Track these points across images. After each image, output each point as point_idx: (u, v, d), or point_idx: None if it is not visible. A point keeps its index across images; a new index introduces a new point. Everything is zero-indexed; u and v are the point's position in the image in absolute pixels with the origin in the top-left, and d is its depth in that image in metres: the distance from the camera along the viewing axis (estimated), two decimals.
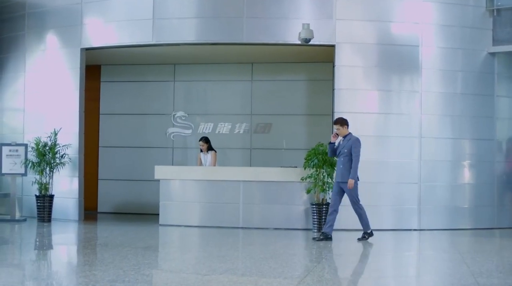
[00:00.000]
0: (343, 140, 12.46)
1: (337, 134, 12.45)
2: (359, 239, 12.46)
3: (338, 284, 8.29)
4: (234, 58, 16.95)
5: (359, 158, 12.27)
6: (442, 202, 14.62)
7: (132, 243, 11.52)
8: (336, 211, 12.42)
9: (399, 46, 14.66)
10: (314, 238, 12.41)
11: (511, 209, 15.18)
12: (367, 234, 12.53)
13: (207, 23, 14.94)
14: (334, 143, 12.55)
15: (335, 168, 12.82)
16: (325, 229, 12.38)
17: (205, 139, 15.30)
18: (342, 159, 12.35)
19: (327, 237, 12.24)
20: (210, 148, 15.24)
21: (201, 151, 15.29)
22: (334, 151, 12.54)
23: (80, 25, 15.63)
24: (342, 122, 12.47)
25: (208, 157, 15.15)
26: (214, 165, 15.09)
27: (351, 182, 12.21)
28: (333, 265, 9.89)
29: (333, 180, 12.97)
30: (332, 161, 13.54)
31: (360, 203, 12.48)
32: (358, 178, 12.40)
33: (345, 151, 12.31)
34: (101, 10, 15.57)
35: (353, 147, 12.26)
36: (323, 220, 13.59)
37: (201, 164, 15.20)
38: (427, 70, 14.63)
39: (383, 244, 12.55)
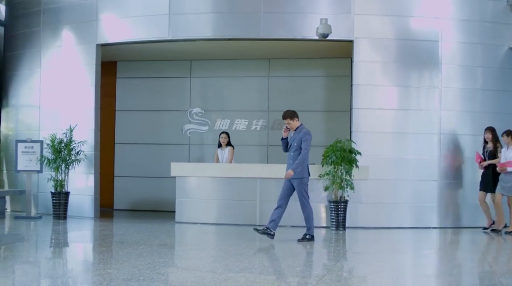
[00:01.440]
0: (293, 133, 11.67)
1: (288, 128, 11.68)
2: (299, 240, 11.53)
3: (358, 284, 8.12)
4: (251, 54, 16.80)
5: (308, 151, 11.46)
6: (462, 199, 14.42)
7: (147, 240, 11.40)
8: (281, 207, 11.60)
9: (418, 41, 14.47)
10: (255, 229, 11.62)
11: None
12: (309, 236, 11.58)
13: (223, 19, 14.80)
14: (287, 138, 11.70)
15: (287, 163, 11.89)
16: (268, 224, 11.55)
17: (227, 133, 15.13)
18: (292, 153, 11.57)
19: (268, 233, 11.41)
20: (229, 143, 15.07)
21: (219, 146, 15.09)
22: (287, 146, 11.73)
23: (96, 21, 15.53)
24: (291, 115, 11.62)
25: (225, 152, 14.97)
26: (231, 161, 14.92)
27: (290, 172, 11.40)
28: (352, 263, 9.71)
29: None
30: (351, 157, 13.37)
31: (309, 202, 11.66)
32: (309, 173, 11.63)
33: (295, 144, 11.54)
34: (117, 5, 15.48)
35: (302, 139, 11.47)
36: (341, 217, 13.43)
37: (217, 161, 15.02)
38: (446, 65, 14.43)
39: (402, 242, 12.37)
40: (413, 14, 14.55)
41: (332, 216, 13.57)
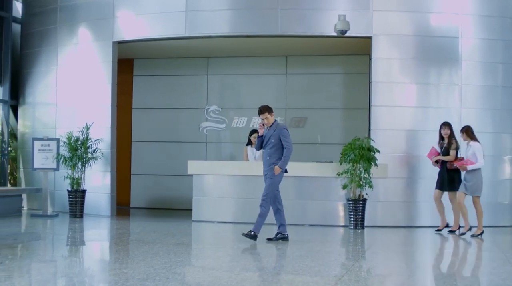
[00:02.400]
0: (268, 129, 11.27)
1: (263, 124, 11.31)
2: (268, 239, 11.19)
3: (377, 284, 7.98)
4: (268, 51, 16.67)
5: (291, 147, 11.17)
6: (482, 198, 14.14)
7: (164, 239, 11.29)
8: (279, 209, 11.30)
9: (437, 38, 14.30)
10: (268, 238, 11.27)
11: None
12: (252, 234, 11.06)
13: (240, 15, 14.69)
14: (263, 135, 11.32)
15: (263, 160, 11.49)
16: (278, 229, 11.33)
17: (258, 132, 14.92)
18: (269, 149, 11.20)
19: (283, 238, 11.26)
20: None
21: (249, 144, 14.89)
22: (262, 143, 11.36)
23: (112, 18, 15.46)
24: (269, 110, 11.25)
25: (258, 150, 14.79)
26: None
27: (277, 169, 11.04)
28: (371, 263, 9.56)
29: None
30: (370, 155, 13.22)
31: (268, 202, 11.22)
32: (286, 170, 11.34)
33: (272, 140, 11.14)
34: (133, 2, 15.42)
35: (282, 136, 11.11)
36: (359, 216, 13.30)
37: (247, 159, 14.82)
38: (466, 62, 14.25)
39: (422, 241, 12.21)
40: (432, 10, 14.38)
41: (350, 214, 13.44)
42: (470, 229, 12.71)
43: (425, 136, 14.11)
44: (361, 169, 13.35)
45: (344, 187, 13.54)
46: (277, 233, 11.26)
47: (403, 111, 14.15)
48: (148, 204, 17.75)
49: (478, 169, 12.53)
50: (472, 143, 12.63)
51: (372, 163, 13.31)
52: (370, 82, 14.55)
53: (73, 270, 8.56)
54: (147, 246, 10.46)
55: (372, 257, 10.20)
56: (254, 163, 14.43)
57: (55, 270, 8.56)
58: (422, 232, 13.33)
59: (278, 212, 11.31)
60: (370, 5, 14.19)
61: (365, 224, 13.47)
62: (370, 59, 14.55)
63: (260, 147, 11.40)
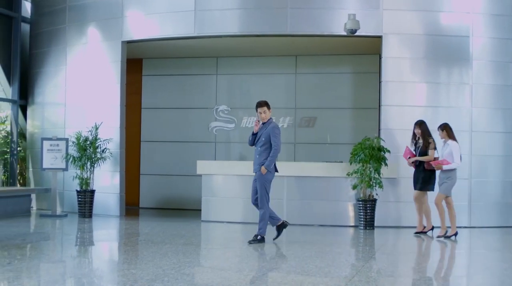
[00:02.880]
0: (262, 126, 11.03)
1: (258, 121, 11.03)
2: (250, 242, 10.87)
3: (388, 285, 7.90)
4: (278, 50, 16.61)
5: (279, 147, 10.90)
6: (493, 198, 14.14)
7: (173, 239, 11.24)
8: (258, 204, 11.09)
9: (448, 37, 14.20)
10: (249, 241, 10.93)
11: None
12: (260, 237, 10.92)
13: (250, 14, 14.62)
14: (257, 133, 11.07)
15: (254, 158, 11.21)
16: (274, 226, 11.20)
17: None
18: (259, 148, 10.95)
19: (278, 231, 11.14)
20: None
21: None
22: (255, 139, 11.11)
23: (121, 17, 15.42)
24: (268, 105, 11.07)
25: None
26: None
27: (263, 169, 10.80)
28: (382, 264, 9.47)
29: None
30: (380, 155, 13.14)
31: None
32: (276, 169, 11.12)
33: (263, 139, 10.91)
34: (142, 2, 15.38)
35: (272, 135, 10.85)
36: (370, 216, 13.23)
37: None
38: (477, 61, 14.15)
39: (432, 242, 12.10)
40: (443, 9, 14.28)
41: (360, 215, 13.36)
42: (432, 228, 12.68)
43: (435, 136, 13.97)
44: (371, 169, 13.28)
45: (354, 187, 13.47)
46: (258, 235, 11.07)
47: (413, 111, 14.05)
48: (157, 204, 17.70)
49: (454, 169, 12.16)
50: (450, 141, 12.26)
51: (382, 163, 13.23)
52: (380, 82, 14.47)
53: (81, 271, 8.51)
54: (155, 246, 10.40)
55: (382, 258, 10.11)
56: None
57: (63, 271, 8.52)
58: (433, 232, 13.21)
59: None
60: (380, 4, 14.11)
61: (375, 224, 13.40)
62: (380, 58, 14.47)
63: (252, 142, 11.17)
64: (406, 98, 14.14)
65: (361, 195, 13.44)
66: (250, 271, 8.45)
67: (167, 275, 7.79)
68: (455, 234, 12.15)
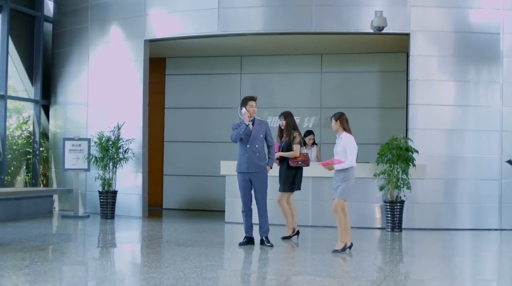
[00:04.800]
0: (252, 124, 10.70)
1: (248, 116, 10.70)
2: (240, 244, 10.69)
3: None
4: (303, 49, 16.35)
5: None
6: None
7: (195, 242, 11.01)
8: (251, 210, 10.83)
9: (478, 34, 13.86)
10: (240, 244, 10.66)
11: None
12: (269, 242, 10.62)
13: (274, 12, 14.37)
14: (248, 126, 10.68)
15: (243, 158, 10.76)
16: (249, 234, 10.86)
17: (313, 133, 14.62)
18: (257, 145, 10.67)
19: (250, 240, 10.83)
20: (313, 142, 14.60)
21: (304, 145, 14.51)
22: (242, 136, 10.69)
23: (144, 16, 15.23)
24: (256, 100, 10.84)
25: (313, 151, 14.44)
26: (320, 160, 14.50)
27: (269, 168, 10.71)
28: (410, 268, 9.20)
29: (239, 171, 10.89)
30: (407, 156, 12.84)
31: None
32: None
33: (260, 136, 10.67)
34: (165, 0, 15.14)
35: (268, 132, 10.75)
36: (397, 218, 12.94)
37: None
38: (508, 59, 13.80)
39: (461, 244, 11.81)
40: (472, 6, 13.95)
41: (387, 216, 13.08)
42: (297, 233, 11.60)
43: (464, 136, 13.71)
44: (398, 170, 13.00)
45: (381, 188, 13.19)
46: (249, 237, 10.85)
47: (441, 110, 13.74)
48: (181, 205, 17.50)
49: (350, 169, 10.17)
50: (344, 135, 10.31)
51: (410, 163, 12.95)
52: (408, 81, 14.17)
53: (100, 274, 8.33)
54: (177, 248, 10.18)
55: (411, 261, 9.83)
56: None
57: (81, 274, 8.36)
58: (462, 234, 12.91)
59: (250, 215, 10.89)
60: (407, 0, 13.80)
61: (403, 226, 13.12)
62: (407, 56, 14.17)
63: (239, 139, 10.72)
64: (434, 97, 13.82)
65: (389, 196, 13.16)
66: (274, 275, 8.22)
67: (188, 279, 7.56)
68: (350, 246, 10.15)
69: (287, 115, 11.65)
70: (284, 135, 11.56)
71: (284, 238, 11.47)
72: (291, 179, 11.59)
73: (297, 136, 11.53)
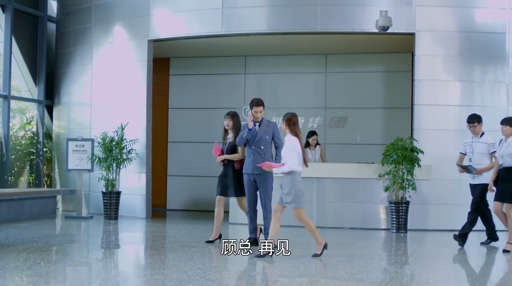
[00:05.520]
0: (259, 125, 10.54)
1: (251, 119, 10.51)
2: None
3: None
4: (307, 49, 16.29)
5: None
6: None
7: (199, 243, 10.93)
8: (256, 211, 10.74)
9: (483, 34, 13.78)
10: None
11: None
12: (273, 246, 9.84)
13: (278, 12, 14.32)
14: (252, 129, 10.51)
15: (249, 159, 10.61)
16: (255, 233, 10.84)
17: (316, 133, 14.58)
18: (263, 147, 10.51)
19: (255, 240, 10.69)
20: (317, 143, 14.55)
21: (308, 146, 14.46)
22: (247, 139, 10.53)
23: (148, 16, 15.17)
24: (263, 104, 10.59)
25: (316, 152, 14.39)
26: (326, 160, 14.52)
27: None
28: (416, 269, 9.10)
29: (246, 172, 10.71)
30: (413, 156, 12.76)
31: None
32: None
33: (267, 137, 10.52)
34: (169, 0, 15.09)
35: (276, 133, 10.62)
36: (402, 219, 12.85)
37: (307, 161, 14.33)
38: None
39: (467, 246, 11.69)
40: (478, 5, 13.88)
41: (393, 217, 13.00)
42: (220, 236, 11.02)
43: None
44: (403, 170, 12.91)
45: (386, 189, 13.10)
46: (253, 238, 10.77)
47: (447, 110, 13.67)
48: (185, 205, 17.43)
49: (294, 173, 9.53)
50: (288, 137, 9.68)
51: (415, 164, 12.86)
52: (413, 80, 14.09)
53: (102, 276, 8.26)
54: (181, 250, 10.10)
55: (416, 262, 9.74)
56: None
57: (83, 276, 8.29)
58: (469, 236, 12.78)
59: (255, 217, 10.85)
60: (413, 0, 13.71)
61: (408, 227, 13.04)
62: (413, 56, 14.10)
63: (244, 142, 10.60)
64: (439, 97, 13.75)
65: (394, 197, 13.08)
66: (279, 277, 8.14)
67: (192, 281, 7.49)
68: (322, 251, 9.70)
69: (234, 116, 11.02)
70: (232, 136, 10.95)
71: (208, 241, 10.95)
72: (236, 182, 10.91)
73: None
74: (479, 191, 11.20)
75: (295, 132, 9.66)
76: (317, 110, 16.77)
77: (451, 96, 13.82)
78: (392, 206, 13.02)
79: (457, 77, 13.84)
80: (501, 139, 10.84)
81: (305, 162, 9.77)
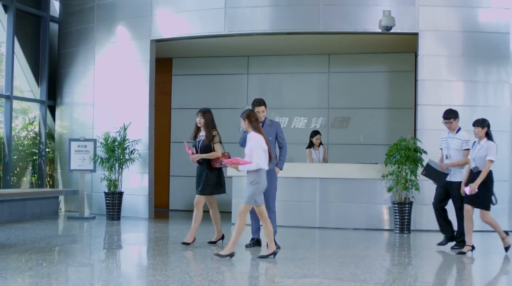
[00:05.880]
0: (262, 125, 10.25)
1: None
2: (246, 246, 10.56)
3: None
4: (310, 48, 16.24)
5: (287, 146, 10.67)
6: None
7: (201, 243, 10.89)
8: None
9: (487, 34, 13.73)
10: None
11: None
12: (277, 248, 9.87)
13: (281, 12, 14.27)
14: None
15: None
16: (257, 234, 10.77)
17: (320, 133, 14.56)
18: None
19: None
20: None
21: (311, 146, 14.43)
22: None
23: (150, 16, 15.14)
24: (265, 104, 10.56)
25: (320, 152, 14.36)
26: (327, 161, 14.46)
27: (278, 170, 10.54)
28: (420, 270, 9.06)
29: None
30: (416, 156, 12.70)
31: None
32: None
33: (270, 138, 10.27)
34: (171, 0, 15.06)
35: (279, 133, 10.62)
36: (406, 219, 12.80)
37: (312, 161, 14.34)
38: None
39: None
40: (481, 5, 13.83)
41: (396, 218, 12.95)
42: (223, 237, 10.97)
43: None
44: (407, 171, 12.86)
45: (390, 189, 13.05)
46: (256, 239, 10.77)
47: None
48: (187, 206, 17.33)
49: (260, 171, 9.35)
50: (252, 134, 9.50)
51: (419, 164, 12.80)
52: (416, 81, 14.05)
53: (105, 277, 8.21)
54: (183, 251, 10.08)
55: (420, 263, 9.69)
56: (295, 164, 13.94)
57: (84, 277, 8.24)
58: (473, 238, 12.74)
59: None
60: (416, 0, 13.67)
61: (411, 228, 12.99)
62: (416, 56, 14.05)
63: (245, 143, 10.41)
64: (442, 97, 13.68)
65: (397, 198, 13.02)
66: (282, 278, 8.09)
67: (194, 282, 7.46)
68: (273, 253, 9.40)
69: (206, 112, 10.87)
70: (204, 134, 10.81)
71: (184, 243, 10.66)
72: (215, 180, 10.69)
73: (217, 135, 10.74)
74: (457, 189, 10.73)
75: (259, 129, 9.49)
76: (320, 110, 16.72)
77: (454, 97, 13.76)
78: (395, 207, 12.97)
79: (461, 77, 13.79)
80: (475, 142, 10.59)
81: (270, 158, 9.56)
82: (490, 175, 10.37)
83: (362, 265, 9.02)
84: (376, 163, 13.70)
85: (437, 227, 13.22)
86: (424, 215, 13.38)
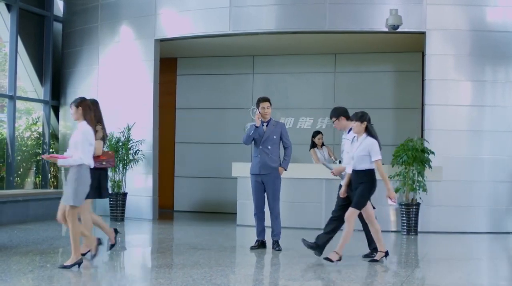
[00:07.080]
0: (267, 125, 10.49)
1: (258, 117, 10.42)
2: (251, 248, 10.49)
3: None
4: (316, 48, 16.09)
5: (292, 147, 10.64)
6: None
7: (206, 245, 10.75)
8: (264, 213, 10.57)
9: (494, 33, 13.58)
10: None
11: None
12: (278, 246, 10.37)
13: (287, 11, 14.13)
14: (259, 128, 10.46)
15: (256, 159, 10.57)
16: (262, 236, 10.63)
17: (321, 133, 14.47)
18: (270, 147, 10.42)
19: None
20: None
21: (315, 146, 14.30)
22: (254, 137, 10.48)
23: (154, 15, 15.01)
24: (270, 100, 10.56)
25: (324, 151, 14.24)
26: (336, 158, 14.31)
27: (282, 169, 10.46)
28: (427, 273, 8.90)
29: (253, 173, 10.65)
30: (423, 157, 12.55)
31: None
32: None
33: (274, 137, 10.42)
34: None
35: (284, 133, 10.56)
36: (413, 221, 12.65)
37: (318, 161, 14.21)
38: None
39: (479, 248, 11.50)
40: (489, 4, 13.67)
41: (403, 219, 12.80)
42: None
43: (481, 136, 13.42)
44: (414, 172, 12.71)
45: (396, 191, 12.88)
46: (261, 241, 10.64)
47: (458, 111, 13.47)
48: (192, 207, 17.26)
49: (82, 167, 8.38)
50: (82, 125, 8.51)
51: (426, 165, 12.66)
52: (423, 80, 13.90)
53: (108, 279, 8.08)
54: (187, 252, 9.93)
55: (428, 266, 9.52)
56: (300, 165, 13.81)
57: (86, 279, 8.11)
58: (479, 238, 12.62)
59: (263, 217, 10.66)
60: None
61: (419, 229, 12.82)
62: (423, 56, 13.90)
63: (251, 141, 10.53)
64: (450, 97, 13.54)
65: (404, 199, 12.87)
66: (287, 281, 7.95)
67: (197, 285, 7.30)
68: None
69: (82, 102, 8.79)
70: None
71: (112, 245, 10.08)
72: (96, 183, 9.25)
73: (99, 131, 9.35)
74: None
75: (92, 122, 8.53)
76: (326, 110, 16.48)
77: (462, 96, 13.61)
78: (402, 208, 12.81)
79: (468, 77, 13.64)
80: (354, 137, 9.60)
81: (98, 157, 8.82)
82: (374, 176, 9.42)
83: (368, 268, 8.88)
84: (383, 164, 13.53)
85: (445, 228, 13.15)
86: (431, 216, 13.25)
